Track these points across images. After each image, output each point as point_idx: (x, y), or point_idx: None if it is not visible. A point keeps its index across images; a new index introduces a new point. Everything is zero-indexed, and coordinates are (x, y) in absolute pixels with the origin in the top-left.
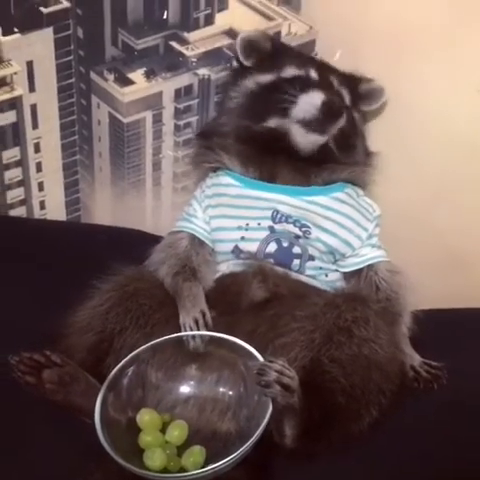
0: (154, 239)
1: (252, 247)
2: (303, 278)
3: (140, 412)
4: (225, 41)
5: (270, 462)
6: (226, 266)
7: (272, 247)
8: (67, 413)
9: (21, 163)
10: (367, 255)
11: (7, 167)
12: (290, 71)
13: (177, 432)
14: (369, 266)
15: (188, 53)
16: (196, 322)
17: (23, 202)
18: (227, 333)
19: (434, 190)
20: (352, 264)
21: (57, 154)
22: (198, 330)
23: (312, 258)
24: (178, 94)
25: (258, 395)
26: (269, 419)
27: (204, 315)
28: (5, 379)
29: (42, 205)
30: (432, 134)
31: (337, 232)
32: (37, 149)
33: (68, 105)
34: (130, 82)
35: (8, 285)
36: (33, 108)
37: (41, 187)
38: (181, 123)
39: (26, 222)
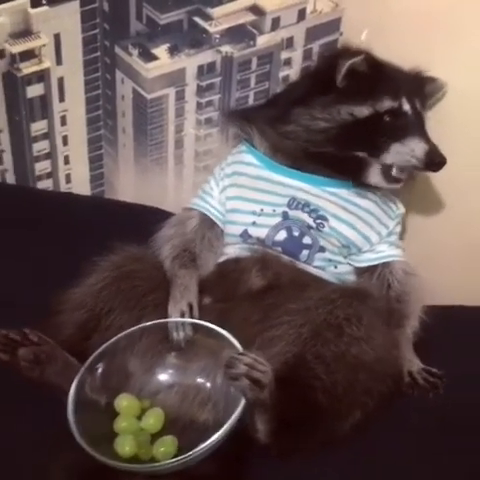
0: None
1: (261, 233)
2: (310, 269)
3: (119, 397)
4: (248, 17)
5: (244, 457)
6: (233, 250)
7: (281, 235)
8: (47, 392)
9: (48, 136)
10: (384, 252)
11: (35, 139)
12: (385, 103)
13: (152, 420)
14: (384, 264)
15: (211, 29)
16: (182, 315)
17: (50, 175)
18: (220, 320)
19: (458, 184)
20: (367, 260)
21: (82, 128)
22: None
23: (322, 250)
24: (201, 71)
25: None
26: (241, 413)
27: (191, 308)
28: None
29: (68, 178)
30: (461, 120)
31: (357, 225)
32: (63, 122)
33: (93, 79)
34: (154, 58)
35: (23, 257)
36: (60, 81)
37: (67, 160)
38: (203, 101)
39: (45, 195)
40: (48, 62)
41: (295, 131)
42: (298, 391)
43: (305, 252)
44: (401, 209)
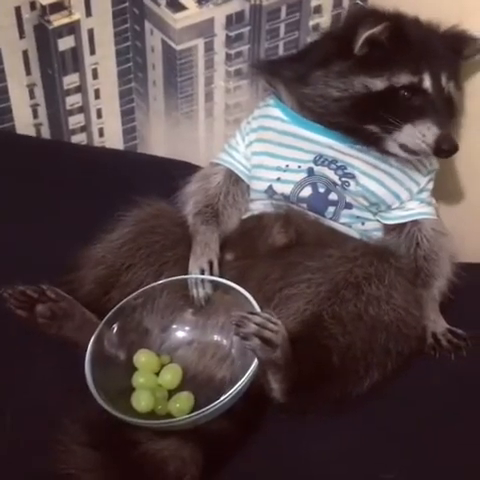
0: None
1: (286, 189)
2: (335, 225)
3: (138, 352)
4: None
5: (259, 417)
6: (258, 206)
7: (306, 191)
8: (64, 348)
9: (81, 89)
10: (414, 210)
11: (68, 93)
12: (403, 78)
13: (170, 376)
14: (414, 222)
15: None
16: (202, 272)
17: (84, 128)
18: (241, 277)
19: None
20: (396, 217)
21: (113, 81)
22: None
23: (349, 206)
24: (229, 21)
25: None
26: (255, 371)
27: (211, 265)
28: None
29: (101, 132)
30: None
31: (386, 182)
32: (95, 75)
33: (122, 31)
34: (182, 7)
35: (50, 212)
36: (90, 33)
37: (99, 114)
38: (232, 52)
39: (77, 149)
40: (78, 14)
41: (312, 95)
42: (313, 351)
43: (331, 209)
44: (435, 165)
